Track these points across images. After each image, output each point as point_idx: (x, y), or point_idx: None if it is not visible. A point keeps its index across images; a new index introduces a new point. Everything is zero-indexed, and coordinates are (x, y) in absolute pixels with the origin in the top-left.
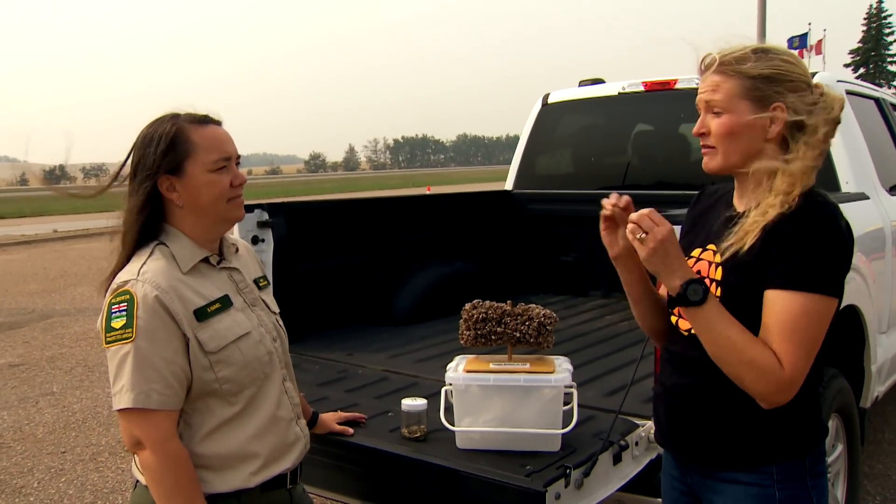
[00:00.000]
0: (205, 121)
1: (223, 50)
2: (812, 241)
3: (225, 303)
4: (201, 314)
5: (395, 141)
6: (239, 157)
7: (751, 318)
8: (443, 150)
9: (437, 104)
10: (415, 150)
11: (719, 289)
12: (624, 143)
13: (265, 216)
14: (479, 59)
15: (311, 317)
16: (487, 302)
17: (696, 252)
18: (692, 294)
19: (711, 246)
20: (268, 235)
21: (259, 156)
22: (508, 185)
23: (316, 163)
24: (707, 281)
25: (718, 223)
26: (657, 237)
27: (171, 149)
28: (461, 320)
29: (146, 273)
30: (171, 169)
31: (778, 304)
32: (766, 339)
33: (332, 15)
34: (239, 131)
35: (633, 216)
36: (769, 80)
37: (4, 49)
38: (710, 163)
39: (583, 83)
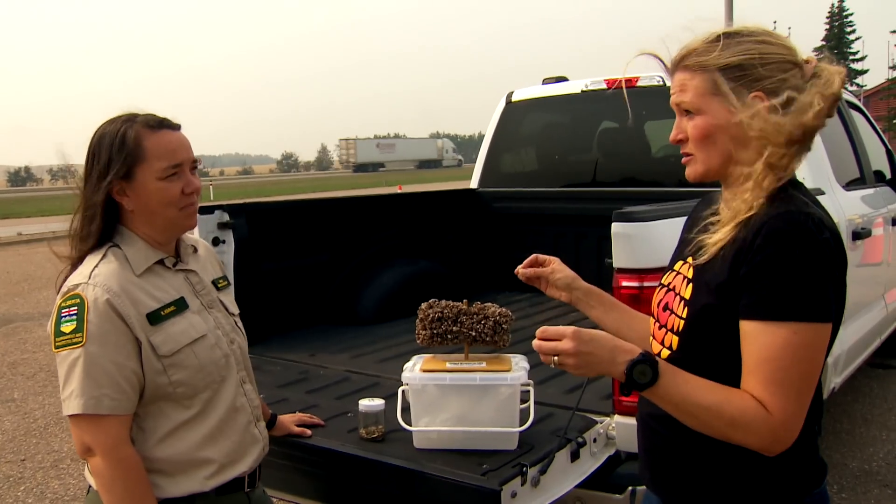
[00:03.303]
0: (160, 125)
1: (193, 47)
2: (785, 262)
3: (180, 305)
4: (155, 317)
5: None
6: (195, 162)
7: (723, 350)
8: None
9: (409, 102)
10: None
11: (686, 309)
12: (588, 141)
13: (226, 217)
14: (451, 57)
15: (274, 318)
16: (444, 301)
17: (678, 265)
18: (639, 377)
19: (690, 259)
20: (229, 237)
21: (231, 156)
22: (473, 183)
23: (288, 162)
24: (677, 300)
25: (699, 232)
26: (566, 351)
27: (122, 154)
28: (417, 319)
29: (98, 276)
30: (122, 174)
31: (756, 339)
32: (747, 381)
33: (303, 13)
34: (211, 131)
35: (535, 347)
36: (740, 69)
37: None
38: (690, 171)
39: (546, 81)
